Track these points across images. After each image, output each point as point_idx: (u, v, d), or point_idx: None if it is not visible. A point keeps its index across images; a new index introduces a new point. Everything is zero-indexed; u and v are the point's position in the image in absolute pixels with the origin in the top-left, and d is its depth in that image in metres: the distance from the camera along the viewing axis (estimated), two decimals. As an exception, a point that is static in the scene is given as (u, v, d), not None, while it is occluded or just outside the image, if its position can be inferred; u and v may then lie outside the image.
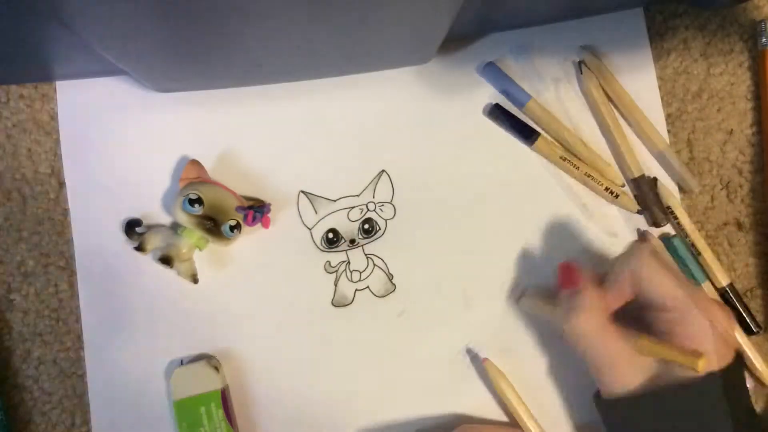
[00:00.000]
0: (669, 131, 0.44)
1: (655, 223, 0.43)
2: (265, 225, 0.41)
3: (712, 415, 0.34)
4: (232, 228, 0.40)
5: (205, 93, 0.43)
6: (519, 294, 0.43)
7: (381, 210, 0.43)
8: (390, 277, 0.43)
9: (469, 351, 0.43)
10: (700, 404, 0.34)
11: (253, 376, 0.42)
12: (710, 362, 0.33)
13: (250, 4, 0.29)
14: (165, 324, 0.42)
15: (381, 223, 0.43)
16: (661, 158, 0.44)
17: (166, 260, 0.40)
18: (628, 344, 0.35)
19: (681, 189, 0.44)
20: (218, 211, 0.40)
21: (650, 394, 0.34)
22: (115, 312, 0.42)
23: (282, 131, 0.43)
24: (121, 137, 0.43)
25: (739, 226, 0.45)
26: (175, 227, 0.41)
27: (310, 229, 0.43)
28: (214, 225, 0.39)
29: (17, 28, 0.33)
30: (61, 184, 0.43)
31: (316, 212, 0.43)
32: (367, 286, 0.43)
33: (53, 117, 0.43)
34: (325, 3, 0.30)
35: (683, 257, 0.43)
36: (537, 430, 0.41)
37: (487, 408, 0.42)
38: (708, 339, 0.34)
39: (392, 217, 0.43)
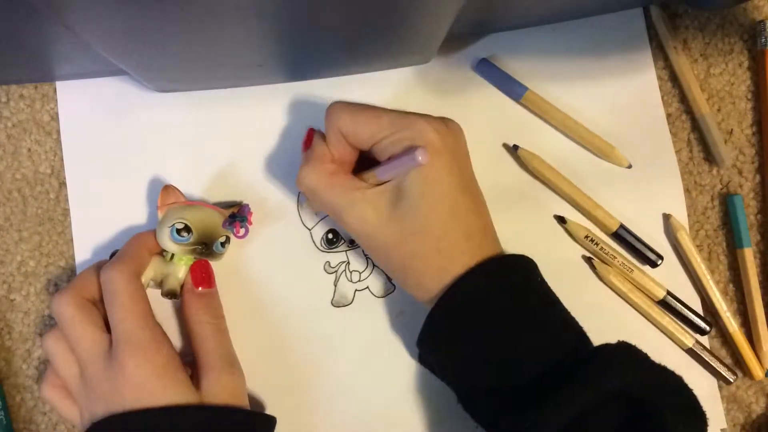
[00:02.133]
0: (669, 131, 0.44)
1: (651, 263, 0.43)
2: (249, 222, 0.41)
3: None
4: (222, 244, 0.40)
5: (205, 93, 0.43)
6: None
7: (381, 210, 0.43)
8: (389, 277, 0.43)
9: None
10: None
11: (253, 375, 0.42)
12: (433, 147, 0.34)
13: (250, 5, 0.29)
14: (164, 323, 0.42)
15: (381, 223, 0.43)
16: (702, 122, 0.44)
17: (172, 294, 0.39)
18: (357, 184, 0.36)
19: (711, 162, 0.45)
20: (208, 234, 0.39)
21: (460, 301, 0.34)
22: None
23: (283, 131, 0.43)
24: (121, 137, 0.43)
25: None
26: (164, 252, 0.40)
27: (309, 230, 0.43)
28: (206, 248, 0.39)
29: (17, 29, 0.33)
30: (62, 184, 0.43)
31: (315, 213, 0.43)
32: (367, 287, 0.43)
33: (53, 117, 0.43)
34: (326, 4, 0.30)
35: (737, 216, 0.43)
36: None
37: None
38: (426, 132, 0.34)
39: (392, 217, 0.43)
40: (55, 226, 0.43)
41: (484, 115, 0.44)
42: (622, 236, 0.43)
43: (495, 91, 0.44)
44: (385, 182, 0.35)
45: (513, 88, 0.43)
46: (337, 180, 0.36)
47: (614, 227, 0.43)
